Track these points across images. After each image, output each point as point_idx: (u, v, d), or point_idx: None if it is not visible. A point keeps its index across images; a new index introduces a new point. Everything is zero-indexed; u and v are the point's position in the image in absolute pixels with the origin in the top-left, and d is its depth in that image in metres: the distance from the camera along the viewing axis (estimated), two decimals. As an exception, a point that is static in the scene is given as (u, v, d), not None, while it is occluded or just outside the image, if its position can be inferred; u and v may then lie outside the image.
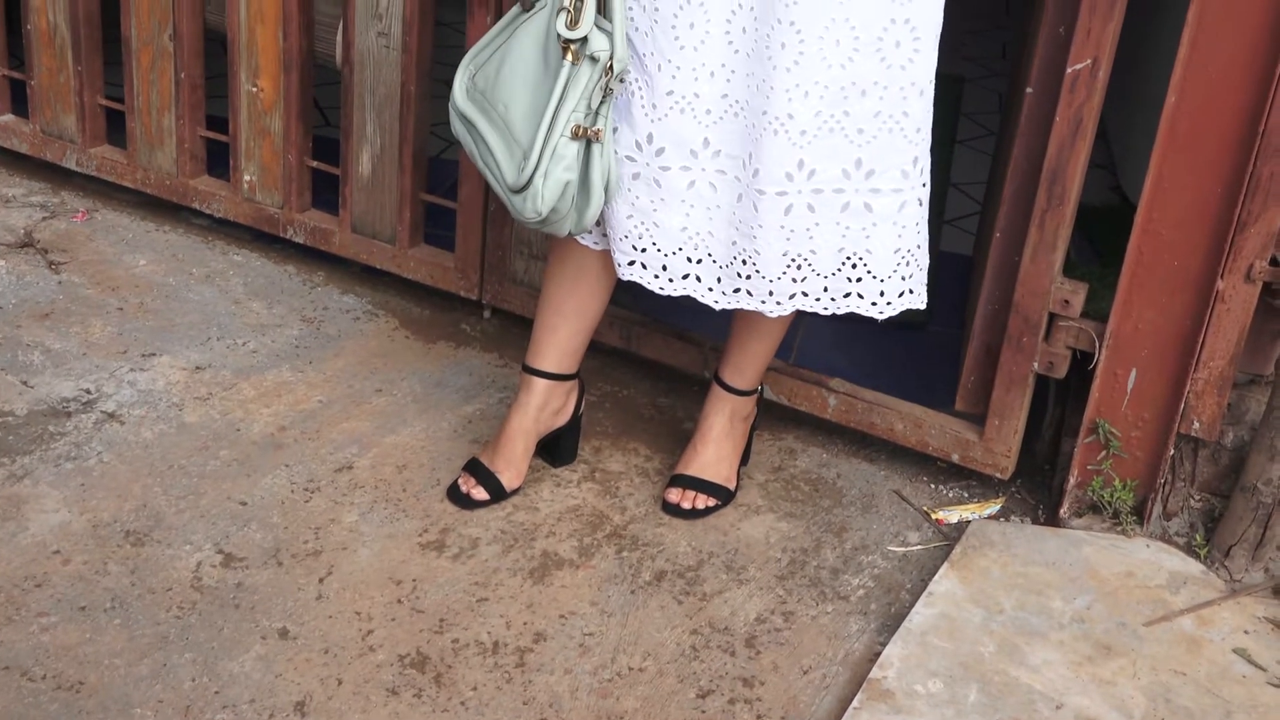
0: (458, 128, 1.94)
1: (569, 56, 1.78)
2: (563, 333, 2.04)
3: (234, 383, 2.30)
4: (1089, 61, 1.98)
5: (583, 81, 1.78)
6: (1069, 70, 1.99)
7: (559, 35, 1.78)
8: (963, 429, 2.21)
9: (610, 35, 1.77)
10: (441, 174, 2.69)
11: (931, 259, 1.94)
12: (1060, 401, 2.29)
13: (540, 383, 2.06)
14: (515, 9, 1.89)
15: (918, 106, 1.82)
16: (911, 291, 1.91)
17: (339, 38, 2.51)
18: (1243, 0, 1.88)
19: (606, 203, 1.86)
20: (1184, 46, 1.93)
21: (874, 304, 1.90)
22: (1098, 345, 2.08)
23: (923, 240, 1.90)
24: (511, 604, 1.90)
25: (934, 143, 1.87)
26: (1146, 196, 2.01)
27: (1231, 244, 1.97)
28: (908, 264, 1.89)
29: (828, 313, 1.89)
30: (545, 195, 1.81)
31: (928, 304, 1.94)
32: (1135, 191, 2.04)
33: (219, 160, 2.71)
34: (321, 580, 1.90)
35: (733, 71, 1.80)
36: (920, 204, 1.87)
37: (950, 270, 2.70)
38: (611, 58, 1.78)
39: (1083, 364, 2.11)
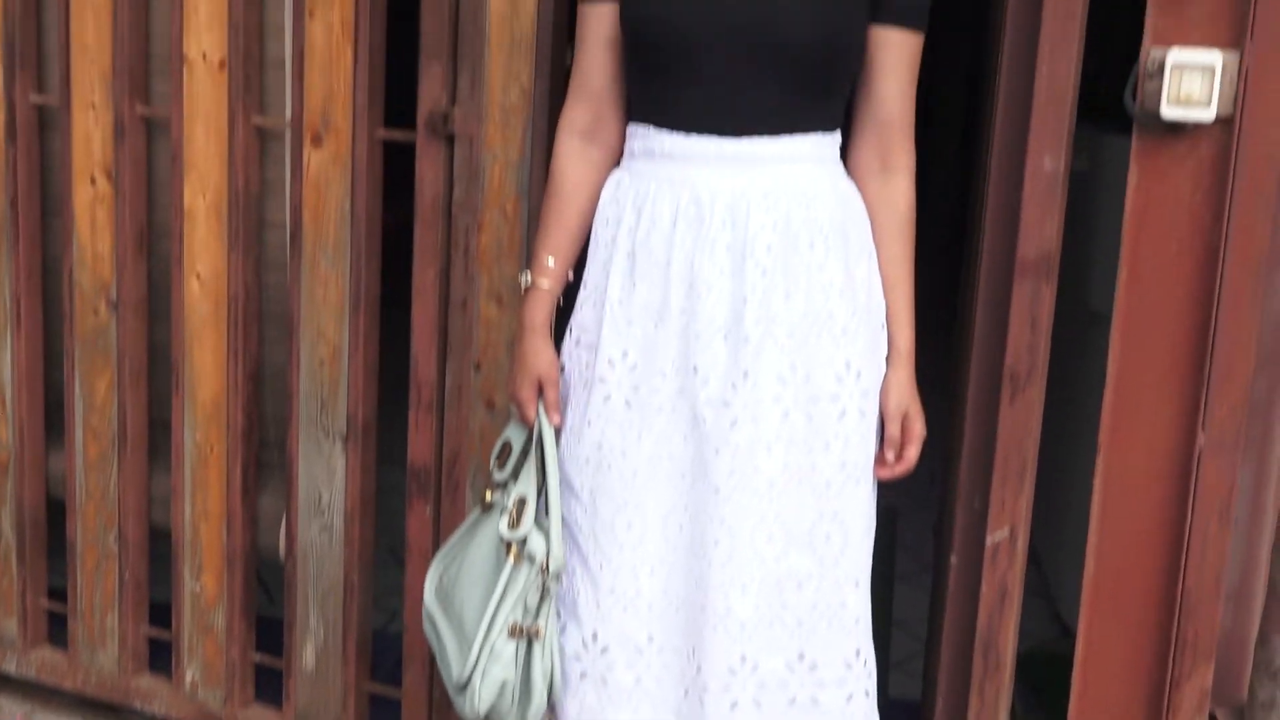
0: (427, 628, 1.97)
1: (511, 556, 1.83)
2: None
3: None
4: (1006, 531, 2.06)
5: (521, 580, 1.83)
6: (989, 541, 2.06)
7: (501, 535, 1.84)
8: None
9: (547, 535, 1.83)
10: (384, 649, 2.68)
11: (881, 706, 1.93)
12: None
13: None
14: (477, 509, 1.96)
15: (854, 598, 1.86)
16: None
17: (282, 532, 2.56)
18: (1146, 466, 1.98)
19: (551, 702, 1.86)
20: (1095, 516, 2.01)
21: None
22: (1053, 813, 2.06)
23: (874, 730, 1.91)
24: None
25: (873, 580, 1.89)
26: (1080, 657, 2.04)
27: (1169, 704, 2.00)
28: (860, 757, 1.89)
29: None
30: (483, 694, 1.82)
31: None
32: (1073, 618, 2.07)
33: (160, 653, 2.69)
34: None
35: (672, 567, 1.84)
36: (867, 695, 1.88)
37: (900, 719, 2.69)
38: (548, 556, 1.83)
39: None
